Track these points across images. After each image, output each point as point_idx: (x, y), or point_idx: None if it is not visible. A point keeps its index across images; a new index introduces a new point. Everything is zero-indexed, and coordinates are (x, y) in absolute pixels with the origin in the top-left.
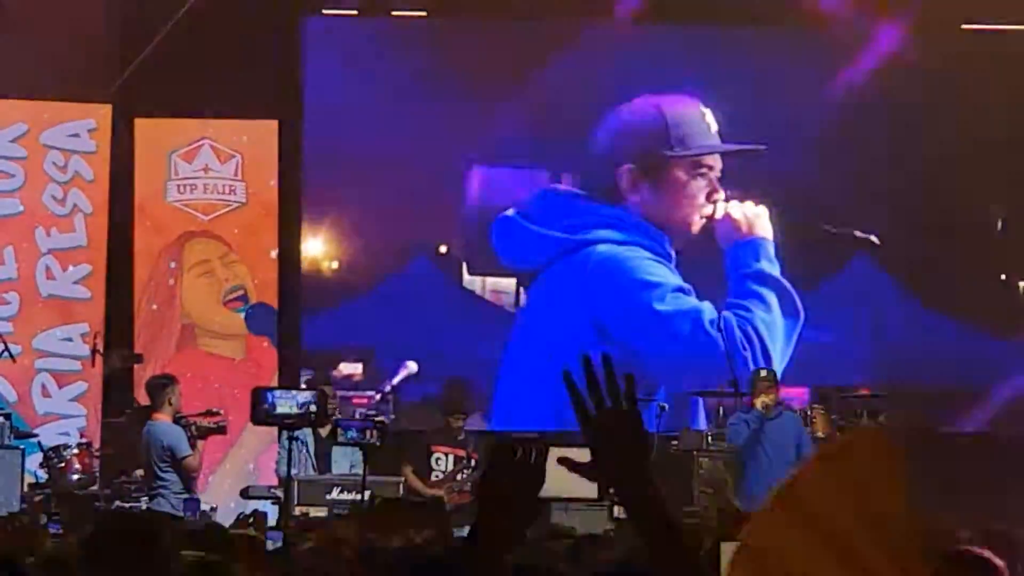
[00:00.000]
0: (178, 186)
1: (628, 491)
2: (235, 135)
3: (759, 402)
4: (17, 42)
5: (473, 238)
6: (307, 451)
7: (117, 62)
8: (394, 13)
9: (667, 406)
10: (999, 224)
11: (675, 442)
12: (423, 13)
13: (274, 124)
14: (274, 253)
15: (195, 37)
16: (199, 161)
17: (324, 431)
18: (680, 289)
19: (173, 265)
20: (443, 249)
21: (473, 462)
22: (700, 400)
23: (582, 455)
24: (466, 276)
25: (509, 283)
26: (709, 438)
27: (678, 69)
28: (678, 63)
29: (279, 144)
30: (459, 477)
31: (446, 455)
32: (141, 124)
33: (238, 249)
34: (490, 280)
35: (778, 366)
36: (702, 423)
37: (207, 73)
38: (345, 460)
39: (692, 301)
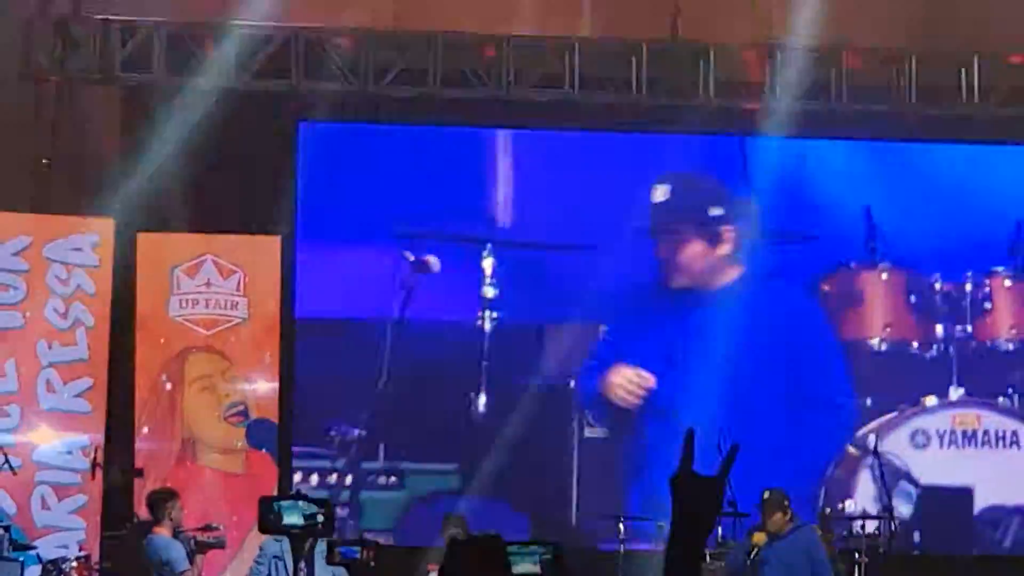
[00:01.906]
0: (180, 301)
1: (678, 542)
2: (237, 250)
3: (755, 536)
4: (19, 155)
5: None
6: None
7: (120, 176)
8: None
9: (665, 524)
10: None
11: None
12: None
13: (276, 240)
14: (273, 366)
15: (199, 152)
16: (201, 276)
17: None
18: None
19: (166, 379)
20: None
21: None
22: None
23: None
24: None
25: None
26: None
27: None
28: None
29: (281, 259)
30: None
31: None
32: (144, 239)
33: (239, 364)
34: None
35: None
36: None
37: (210, 188)
38: (327, 573)
39: None
